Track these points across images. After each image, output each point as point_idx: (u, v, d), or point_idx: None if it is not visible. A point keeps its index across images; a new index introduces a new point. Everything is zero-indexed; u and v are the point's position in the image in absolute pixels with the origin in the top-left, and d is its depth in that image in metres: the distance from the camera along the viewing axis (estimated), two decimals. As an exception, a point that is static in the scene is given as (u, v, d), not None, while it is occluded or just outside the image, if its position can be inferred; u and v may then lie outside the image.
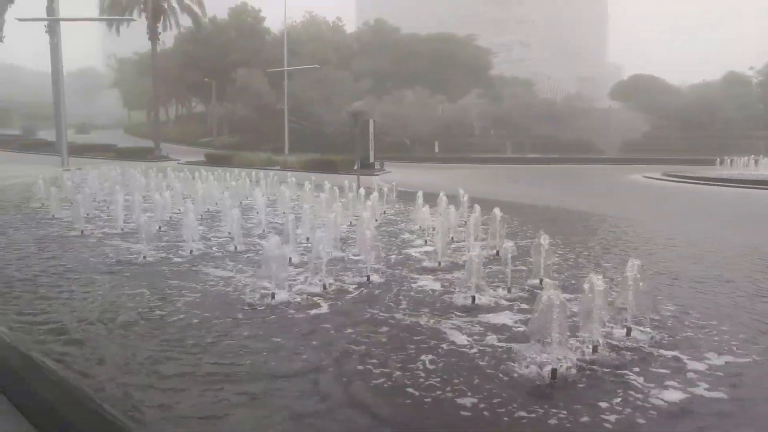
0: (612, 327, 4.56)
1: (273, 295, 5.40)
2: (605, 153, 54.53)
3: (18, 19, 34.26)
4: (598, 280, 4.18)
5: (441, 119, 58.98)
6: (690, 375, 3.76)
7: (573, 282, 6.28)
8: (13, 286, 5.89)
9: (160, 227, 9.68)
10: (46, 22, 33.57)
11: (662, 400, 3.39)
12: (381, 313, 5.05)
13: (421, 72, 65.31)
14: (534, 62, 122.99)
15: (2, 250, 7.97)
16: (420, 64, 66.85)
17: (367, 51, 70.16)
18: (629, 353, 4.14)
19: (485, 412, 3.22)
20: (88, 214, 10.74)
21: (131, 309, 5.08)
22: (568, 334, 3.85)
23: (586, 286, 4.17)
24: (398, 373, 3.74)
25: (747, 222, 14.77)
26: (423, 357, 4.01)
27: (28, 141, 50.65)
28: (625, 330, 4.52)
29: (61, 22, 32.86)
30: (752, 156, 37.61)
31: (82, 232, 9.27)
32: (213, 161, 36.23)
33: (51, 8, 33.83)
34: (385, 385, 3.57)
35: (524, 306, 5.27)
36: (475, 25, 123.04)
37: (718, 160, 38.61)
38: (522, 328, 4.53)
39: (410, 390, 3.48)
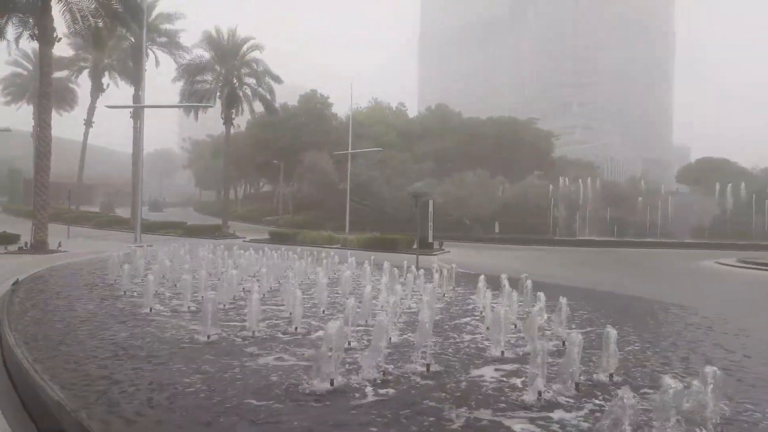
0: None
1: (332, 382, 5.34)
2: (674, 237, 52.43)
3: (107, 106, 37.39)
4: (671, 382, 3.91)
5: (501, 200, 58.86)
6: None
7: (645, 381, 5.91)
8: (80, 363, 6.10)
9: (224, 306, 9.90)
10: (131, 109, 36.47)
11: None
12: (442, 409, 4.88)
13: (481, 154, 66.17)
14: (597, 145, 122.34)
15: (77, 325, 8.33)
16: (481, 146, 67.86)
17: (429, 134, 72.06)
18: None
19: None
20: (156, 292, 11.14)
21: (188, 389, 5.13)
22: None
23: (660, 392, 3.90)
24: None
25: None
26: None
27: (105, 217, 53.84)
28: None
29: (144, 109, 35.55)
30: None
31: (150, 309, 9.60)
32: (277, 239, 37.21)
33: (137, 96, 36.87)
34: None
35: (594, 403, 4.98)
36: (537, 109, 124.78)
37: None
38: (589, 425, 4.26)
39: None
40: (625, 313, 11.59)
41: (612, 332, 5.85)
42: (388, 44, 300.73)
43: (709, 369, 4.32)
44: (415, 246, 26.27)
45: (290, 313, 8.97)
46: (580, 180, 62.08)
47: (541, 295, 9.09)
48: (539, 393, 5.16)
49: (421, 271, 13.90)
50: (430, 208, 33.58)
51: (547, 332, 8.23)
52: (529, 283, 11.00)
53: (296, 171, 61.87)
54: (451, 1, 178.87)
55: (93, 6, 26.22)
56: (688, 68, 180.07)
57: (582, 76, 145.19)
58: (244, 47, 50.16)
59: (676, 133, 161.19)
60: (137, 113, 35.99)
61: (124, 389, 5.16)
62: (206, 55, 49.08)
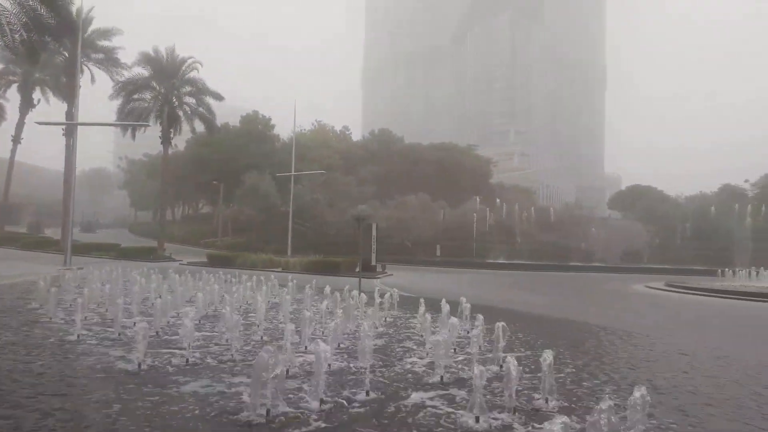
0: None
1: (268, 411, 5.19)
2: (606, 261, 54.58)
3: (38, 123, 35.73)
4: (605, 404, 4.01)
5: (442, 224, 59.77)
6: None
7: (580, 404, 6.05)
8: None
9: (157, 333, 9.52)
10: (64, 126, 35.01)
11: None
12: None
13: (423, 178, 67.25)
14: (534, 172, 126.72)
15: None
16: (422, 170, 69.01)
17: (372, 158, 72.67)
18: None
19: None
20: (85, 318, 10.59)
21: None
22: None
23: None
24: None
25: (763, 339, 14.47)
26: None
27: (33, 238, 51.01)
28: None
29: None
30: (753, 267, 37.65)
31: (78, 336, 9.09)
32: (216, 262, 36.27)
33: (70, 113, 35.45)
34: None
35: (533, 426, 5.04)
36: (477, 136, 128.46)
37: (720, 270, 38.57)
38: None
39: None
40: (560, 336, 11.90)
41: (548, 356, 5.97)
42: (333, 69, 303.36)
43: (638, 390, 4.48)
44: (357, 269, 26.18)
45: (227, 340, 8.72)
46: (517, 205, 63.96)
47: (480, 317, 9.22)
48: (477, 418, 5.19)
49: (363, 295, 13.83)
50: (373, 232, 33.67)
51: (488, 355, 8.32)
52: (467, 306, 11.15)
53: (237, 192, 60.78)
54: (395, 29, 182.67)
55: (24, 19, 25.12)
56: (618, 100, 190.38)
57: (518, 105, 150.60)
58: (184, 66, 49.28)
59: (607, 161, 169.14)
60: (70, 130, 34.52)
61: (38, 426, 4.83)
62: (145, 72, 47.87)
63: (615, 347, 10.63)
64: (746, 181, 74.84)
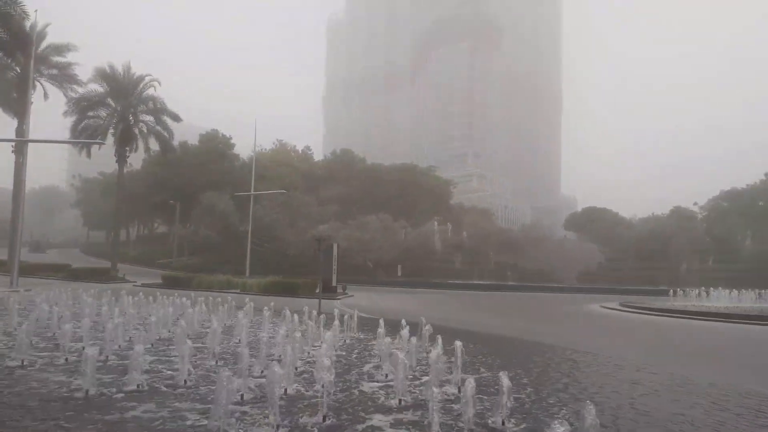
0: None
1: (221, 439, 5.03)
2: (562, 282, 55.68)
3: (-15, 139, 34.41)
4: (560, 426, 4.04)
5: (404, 244, 60.00)
6: None
7: (538, 425, 6.08)
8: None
9: (107, 357, 9.17)
10: (13, 143, 33.85)
11: None
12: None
13: (384, 199, 67.56)
14: (492, 194, 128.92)
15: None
16: (384, 191, 69.33)
17: (334, 178, 72.64)
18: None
19: None
20: (32, 342, 10.12)
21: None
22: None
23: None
24: None
25: (717, 358, 14.89)
26: None
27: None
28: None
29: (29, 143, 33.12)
30: (703, 288, 39.00)
31: (22, 362, 8.67)
32: (171, 283, 35.40)
33: (21, 129, 34.32)
34: None
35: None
36: (436, 157, 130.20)
37: (671, 291, 39.78)
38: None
39: None
40: (518, 356, 12.00)
41: (505, 377, 5.99)
42: (296, 88, 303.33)
43: (588, 409, 4.54)
44: (317, 290, 25.94)
45: (179, 365, 8.45)
46: (476, 226, 64.82)
47: (439, 338, 9.21)
48: (435, 441, 5.14)
49: (323, 317, 13.68)
50: (334, 252, 33.48)
51: (447, 377, 8.30)
52: (428, 327, 11.14)
53: (194, 212, 59.70)
54: (356, 51, 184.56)
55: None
56: (574, 123, 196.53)
57: (476, 128, 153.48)
58: (142, 83, 48.40)
59: (563, 183, 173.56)
60: (20, 147, 33.33)
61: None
62: (100, 89, 46.78)
63: (573, 368, 10.77)
64: (695, 204, 78.02)
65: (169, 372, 8.40)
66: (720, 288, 39.63)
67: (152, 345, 10.60)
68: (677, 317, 26.39)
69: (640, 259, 64.03)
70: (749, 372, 11.88)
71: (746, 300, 37.93)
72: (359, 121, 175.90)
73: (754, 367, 12.61)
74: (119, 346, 10.31)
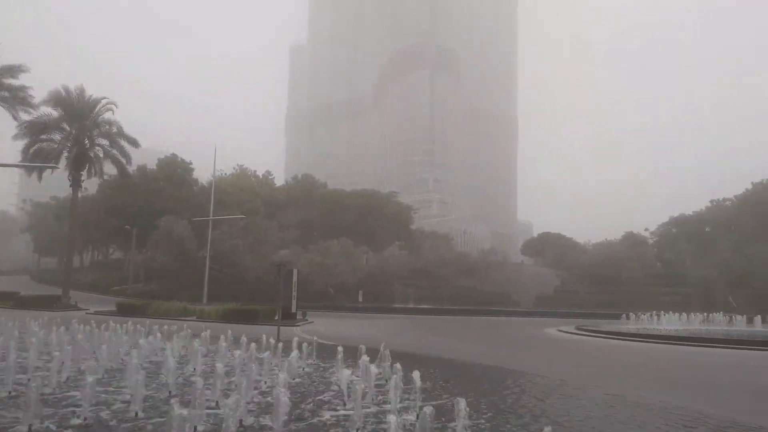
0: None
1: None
2: (520, 305, 56.47)
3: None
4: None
5: (365, 269, 59.89)
6: None
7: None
8: None
9: (54, 390, 8.83)
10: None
11: None
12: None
13: (345, 224, 67.54)
14: (452, 219, 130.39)
15: None
16: (345, 216, 69.34)
17: (295, 203, 72.31)
18: None
19: None
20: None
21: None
22: None
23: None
24: None
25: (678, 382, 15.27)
26: None
27: None
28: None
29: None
30: (655, 311, 40.18)
31: (-40, 397, 8.27)
32: (125, 311, 34.33)
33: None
34: None
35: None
36: (397, 183, 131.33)
37: (625, 315, 40.81)
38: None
39: None
40: (477, 381, 12.08)
41: (462, 402, 6.04)
42: (258, 116, 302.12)
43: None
44: (277, 317, 25.58)
45: (131, 397, 8.21)
46: (436, 251, 65.32)
47: (398, 366, 9.21)
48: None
49: (281, 345, 13.50)
50: (294, 278, 33.09)
51: (406, 403, 8.30)
52: (387, 353, 11.14)
53: (151, 237, 58.29)
54: (318, 79, 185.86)
55: None
56: (529, 150, 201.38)
57: (436, 155, 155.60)
58: (98, 106, 47.33)
59: (520, 209, 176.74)
60: (-36, 171, 32.31)
61: None
62: (54, 113, 45.57)
63: (532, 392, 10.91)
64: (646, 230, 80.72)
65: (119, 404, 8.15)
66: (670, 312, 40.92)
67: (103, 375, 10.26)
68: (630, 341, 27.10)
69: (594, 283, 65.59)
70: (691, 392, 12.25)
71: (694, 322, 39.39)
72: (321, 147, 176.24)
73: (695, 387, 13.01)
74: (67, 378, 9.96)
